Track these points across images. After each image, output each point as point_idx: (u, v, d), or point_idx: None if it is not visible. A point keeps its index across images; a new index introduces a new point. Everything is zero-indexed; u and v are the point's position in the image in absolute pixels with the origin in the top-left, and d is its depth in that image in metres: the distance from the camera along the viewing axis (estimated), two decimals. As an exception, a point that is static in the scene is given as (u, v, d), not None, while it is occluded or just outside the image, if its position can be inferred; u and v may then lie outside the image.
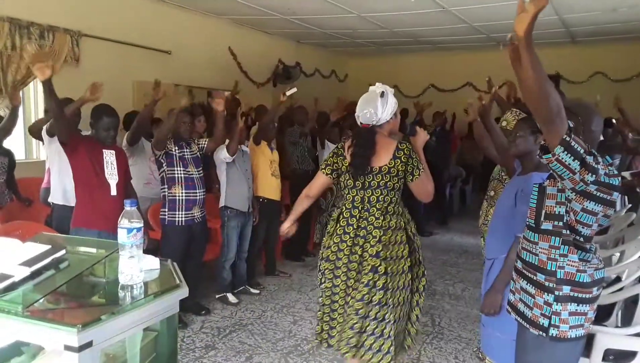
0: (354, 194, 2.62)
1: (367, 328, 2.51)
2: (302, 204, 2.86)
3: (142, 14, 5.77)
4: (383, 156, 2.56)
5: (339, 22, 7.02)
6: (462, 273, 5.56)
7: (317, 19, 6.87)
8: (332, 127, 6.15)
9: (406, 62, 10.01)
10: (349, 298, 2.57)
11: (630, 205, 4.84)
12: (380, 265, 2.50)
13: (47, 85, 3.00)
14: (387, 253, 2.53)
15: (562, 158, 1.69)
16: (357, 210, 2.59)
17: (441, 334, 4.00)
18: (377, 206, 2.56)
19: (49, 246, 1.76)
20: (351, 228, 2.58)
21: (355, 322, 2.51)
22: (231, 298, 4.52)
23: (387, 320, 2.49)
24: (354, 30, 7.68)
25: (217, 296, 4.56)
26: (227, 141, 4.32)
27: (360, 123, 2.65)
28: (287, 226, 2.88)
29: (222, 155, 4.35)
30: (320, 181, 2.77)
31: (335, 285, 2.61)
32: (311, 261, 5.88)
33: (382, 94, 2.63)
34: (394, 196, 2.59)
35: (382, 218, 2.55)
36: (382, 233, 2.54)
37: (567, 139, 1.66)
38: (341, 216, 2.65)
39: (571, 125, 1.70)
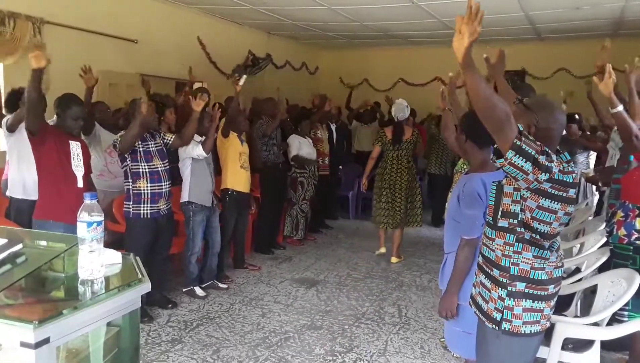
0: (393, 154, 5.50)
1: (409, 214, 5.62)
2: (370, 165, 5.63)
3: (108, 1, 5.62)
4: (407, 135, 5.46)
5: (310, 14, 6.99)
6: (428, 264, 5.65)
7: (287, 10, 6.82)
8: (303, 121, 6.20)
9: (376, 56, 10.04)
10: (392, 207, 5.54)
11: (589, 198, 5.00)
12: (408, 185, 5.51)
13: (38, 74, 3.01)
14: (410, 179, 5.52)
15: (515, 161, 1.73)
16: (394, 162, 5.50)
17: (408, 324, 4.06)
18: (404, 159, 5.49)
19: (6, 240, 1.71)
20: (392, 170, 5.50)
21: (401, 214, 5.53)
22: (198, 291, 4.48)
23: (414, 208, 5.60)
24: (324, 23, 7.66)
25: (184, 289, 4.51)
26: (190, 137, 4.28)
27: (397, 119, 5.45)
28: (364, 183, 5.73)
29: (196, 152, 4.30)
30: (377, 149, 5.57)
31: (393, 200, 5.52)
32: (280, 253, 5.88)
33: (407, 106, 5.49)
34: (410, 154, 5.54)
35: (407, 165, 5.49)
36: (407, 171, 5.50)
37: (518, 143, 1.71)
38: (387, 165, 5.53)
39: (521, 128, 1.74)
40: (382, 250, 5.91)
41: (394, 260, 5.68)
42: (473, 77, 1.67)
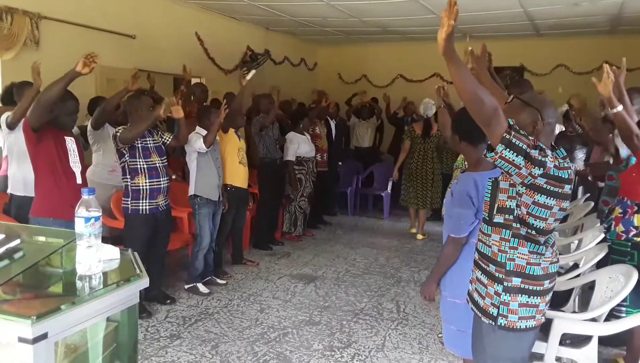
0: (421, 146, 6.39)
1: (432, 198, 6.51)
2: (401, 158, 6.51)
3: (105, -4, 5.60)
4: (433, 130, 6.30)
5: (308, 9, 6.97)
6: (427, 260, 5.65)
7: (285, 5, 6.79)
8: (303, 117, 6.19)
9: (375, 52, 10.02)
10: (423, 190, 6.48)
11: (588, 194, 5.00)
12: (431, 174, 6.46)
13: (73, 77, 3.10)
14: (434, 167, 6.46)
15: (505, 155, 1.74)
16: (421, 153, 6.41)
17: (406, 320, 4.06)
18: (430, 150, 6.42)
19: (3, 236, 1.70)
20: (419, 161, 6.42)
21: (428, 197, 6.50)
22: (202, 288, 4.47)
23: (437, 192, 6.49)
24: (323, 19, 7.63)
25: (186, 286, 4.50)
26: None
27: (427, 116, 6.32)
28: (395, 174, 6.59)
29: (197, 145, 4.30)
30: (407, 144, 6.43)
31: (420, 187, 6.44)
32: (278, 249, 5.88)
33: (434, 104, 6.13)
34: (435, 148, 6.42)
35: (432, 156, 6.43)
36: (431, 161, 6.43)
37: (507, 136, 1.71)
38: (414, 156, 6.43)
39: (511, 123, 1.74)
40: (414, 229, 6.75)
41: (419, 237, 6.60)
42: (456, 69, 1.68)
